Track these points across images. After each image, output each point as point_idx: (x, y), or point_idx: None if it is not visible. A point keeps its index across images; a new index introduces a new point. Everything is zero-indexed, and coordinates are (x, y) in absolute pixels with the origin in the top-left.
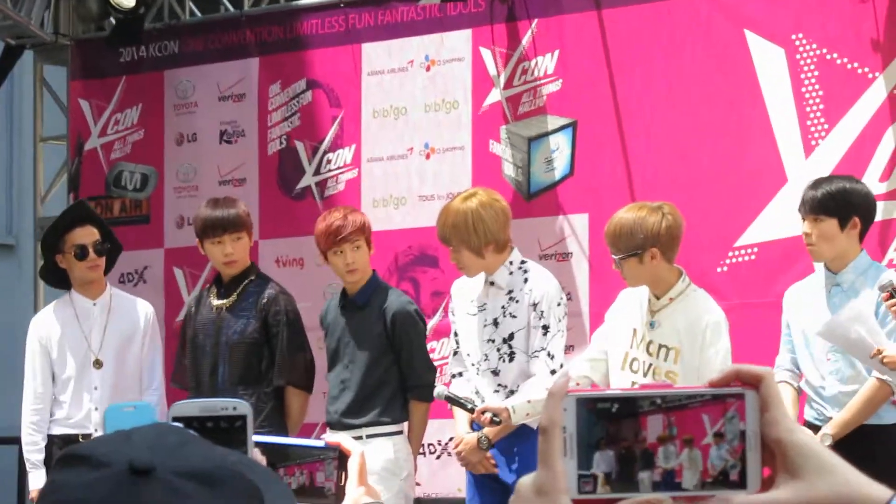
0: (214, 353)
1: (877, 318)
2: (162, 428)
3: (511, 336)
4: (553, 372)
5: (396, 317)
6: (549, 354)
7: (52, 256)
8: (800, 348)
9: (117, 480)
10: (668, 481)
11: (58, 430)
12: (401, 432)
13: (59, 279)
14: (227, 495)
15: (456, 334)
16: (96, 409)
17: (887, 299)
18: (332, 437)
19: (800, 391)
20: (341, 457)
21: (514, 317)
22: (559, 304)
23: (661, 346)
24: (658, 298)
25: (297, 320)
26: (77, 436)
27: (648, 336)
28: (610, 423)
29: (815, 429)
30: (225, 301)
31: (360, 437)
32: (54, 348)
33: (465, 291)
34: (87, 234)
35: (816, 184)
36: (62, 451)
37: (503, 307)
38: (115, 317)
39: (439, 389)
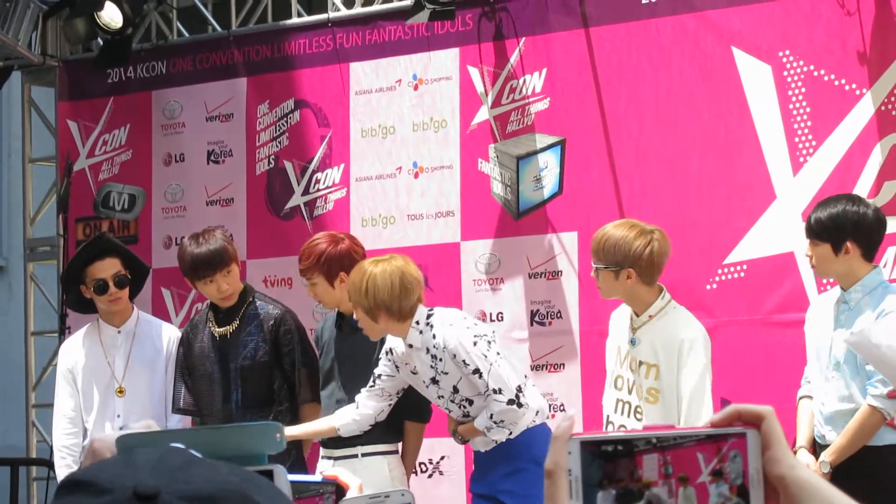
0: (226, 380)
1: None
2: (164, 450)
3: (455, 389)
4: (510, 401)
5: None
6: (495, 391)
7: (76, 287)
8: (811, 362)
9: None
10: None
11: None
12: (395, 451)
13: (86, 306)
14: None
15: (391, 377)
16: None
17: None
18: (329, 471)
19: None
20: (338, 490)
21: (445, 373)
22: (474, 343)
23: (641, 363)
24: (638, 316)
25: (306, 336)
26: None
27: (631, 353)
28: (611, 463)
29: (815, 446)
30: (227, 328)
31: (355, 456)
32: (79, 377)
33: (398, 349)
34: (107, 267)
35: (816, 208)
36: (64, 478)
37: (432, 366)
38: (138, 343)
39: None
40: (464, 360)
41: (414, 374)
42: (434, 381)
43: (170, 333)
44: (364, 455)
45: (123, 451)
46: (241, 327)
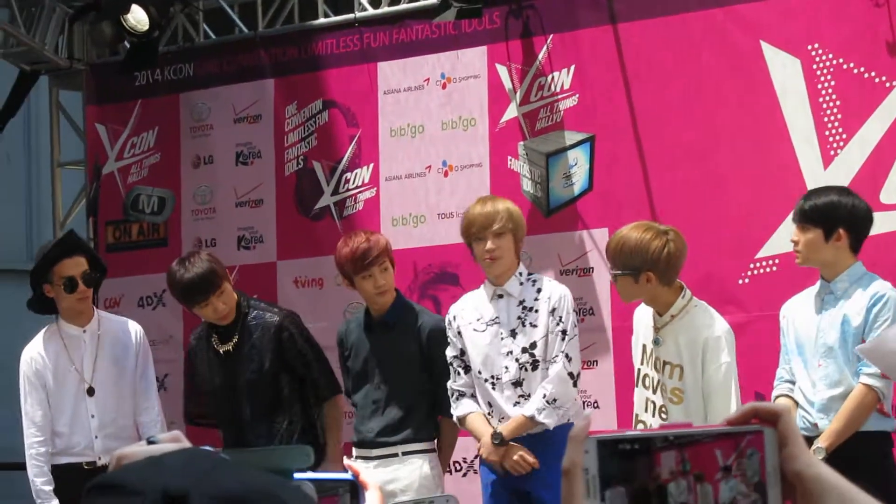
0: (235, 394)
1: (866, 324)
2: (192, 452)
3: (533, 345)
4: (570, 374)
5: (432, 335)
6: (566, 356)
7: (40, 286)
8: (793, 356)
9: None
10: None
11: (61, 461)
12: (434, 450)
13: (44, 307)
14: None
15: (462, 354)
16: (97, 437)
17: None
18: (352, 464)
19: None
20: (353, 487)
21: (534, 326)
22: (574, 311)
23: (665, 363)
24: (661, 315)
25: (308, 334)
26: (81, 464)
27: (655, 353)
28: (629, 462)
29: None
30: (229, 345)
31: (395, 455)
32: (49, 380)
33: (468, 310)
34: (76, 265)
35: (809, 195)
36: (92, 480)
37: (519, 318)
38: (105, 342)
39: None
40: (561, 317)
41: (478, 331)
42: (513, 332)
43: (135, 329)
44: (405, 454)
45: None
46: (242, 341)
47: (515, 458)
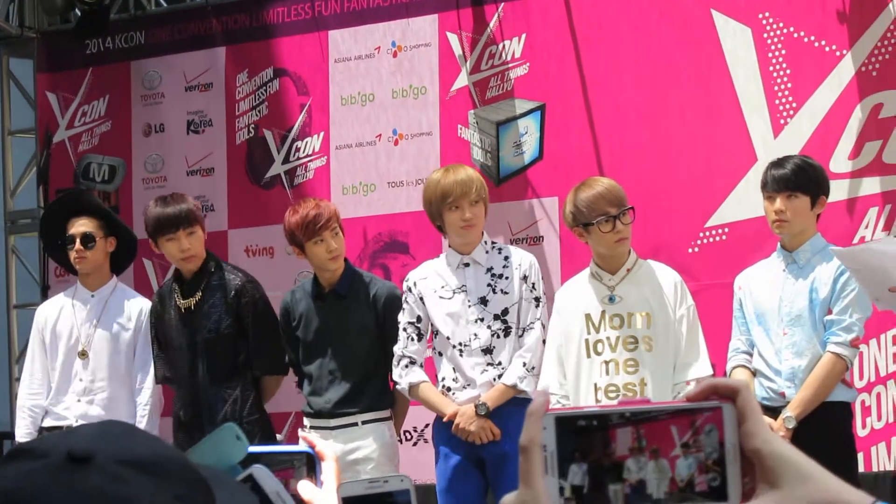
0: (191, 351)
1: (833, 294)
2: (108, 422)
3: (505, 312)
4: (544, 342)
5: (387, 303)
6: (542, 325)
7: (54, 240)
8: (753, 326)
9: (55, 469)
10: (639, 492)
11: (45, 423)
12: (390, 418)
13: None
14: (170, 483)
15: (419, 320)
16: (79, 400)
17: None
18: (308, 436)
19: (754, 372)
20: (309, 459)
21: (505, 293)
22: (541, 278)
23: (629, 315)
24: (613, 274)
25: (267, 307)
26: (61, 427)
27: (610, 311)
28: (585, 438)
29: (766, 409)
30: (191, 300)
31: (355, 424)
32: (48, 336)
33: (431, 277)
34: (79, 225)
35: (782, 162)
36: (10, 448)
37: (489, 285)
38: (108, 311)
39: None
40: (533, 283)
41: (445, 298)
42: (482, 300)
43: (141, 305)
44: (364, 423)
45: None
46: (203, 299)
47: (483, 425)
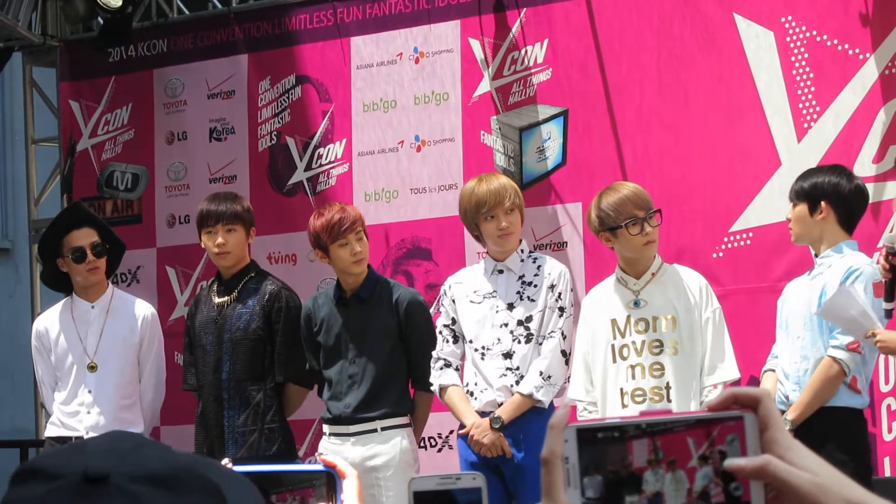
0: (218, 350)
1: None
2: (117, 434)
3: (529, 318)
4: (563, 352)
5: (409, 308)
6: (562, 334)
7: (53, 261)
8: (780, 330)
9: (72, 491)
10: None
11: (53, 432)
12: (410, 424)
13: (62, 283)
14: (186, 496)
15: (453, 322)
16: (88, 412)
17: (886, 258)
18: (328, 457)
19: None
20: (329, 478)
21: (532, 300)
22: (571, 289)
23: (654, 319)
24: (638, 278)
25: (299, 316)
26: (70, 438)
27: (635, 316)
28: (603, 450)
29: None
30: (227, 298)
31: (374, 430)
32: (52, 351)
33: (466, 282)
34: (84, 236)
35: (802, 175)
36: (17, 468)
37: (518, 292)
38: (112, 319)
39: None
40: (560, 293)
41: (475, 303)
42: (510, 305)
43: (144, 310)
44: (383, 429)
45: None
46: (238, 299)
47: (495, 440)
